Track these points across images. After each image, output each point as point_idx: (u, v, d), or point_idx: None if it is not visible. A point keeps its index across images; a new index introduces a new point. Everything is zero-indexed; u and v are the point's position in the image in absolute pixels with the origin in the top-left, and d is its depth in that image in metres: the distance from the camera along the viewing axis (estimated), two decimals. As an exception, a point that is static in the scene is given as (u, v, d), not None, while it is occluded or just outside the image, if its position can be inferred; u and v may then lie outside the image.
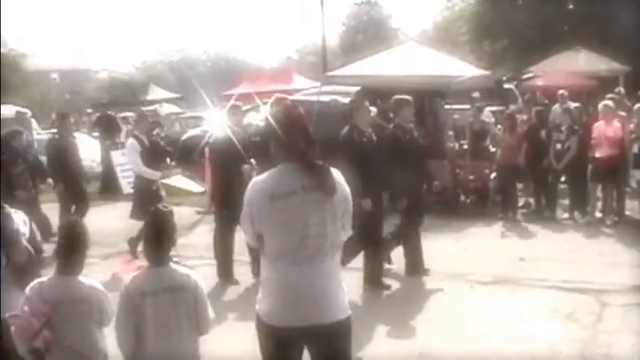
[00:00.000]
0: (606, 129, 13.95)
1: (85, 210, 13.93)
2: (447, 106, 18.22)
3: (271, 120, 5.04)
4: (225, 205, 10.90)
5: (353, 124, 10.40)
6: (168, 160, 13.68)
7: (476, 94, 18.92)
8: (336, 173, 4.98)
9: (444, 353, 8.01)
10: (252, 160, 11.33)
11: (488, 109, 19.46)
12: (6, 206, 6.01)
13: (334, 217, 4.90)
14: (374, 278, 10.45)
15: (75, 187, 14.21)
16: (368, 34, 63.53)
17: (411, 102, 11.29)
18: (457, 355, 7.97)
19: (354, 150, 10.00)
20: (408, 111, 11.05)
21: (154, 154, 12.86)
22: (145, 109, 31.16)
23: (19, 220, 6.19)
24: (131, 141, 12.96)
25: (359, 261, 10.38)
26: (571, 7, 36.21)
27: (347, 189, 5.02)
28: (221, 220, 11.39)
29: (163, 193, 13.01)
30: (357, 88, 17.73)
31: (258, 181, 4.97)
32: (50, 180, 14.05)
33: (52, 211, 13.71)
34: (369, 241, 10.18)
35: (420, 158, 11.25)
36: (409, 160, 10.54)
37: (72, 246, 5.32)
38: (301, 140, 4.88)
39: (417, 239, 11.15)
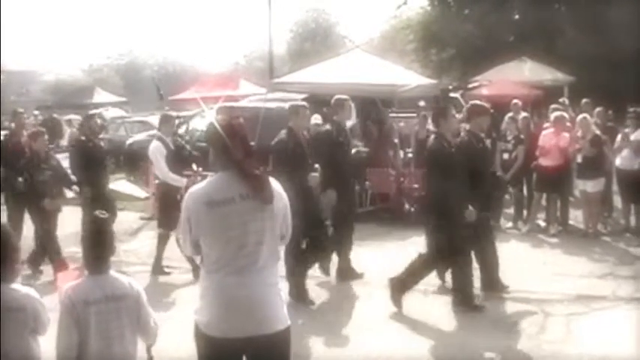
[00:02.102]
0: (557, 138, 14.08)
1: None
2: (392, 114, 18.29)
3: (210, 128, 5.05)
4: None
5: (290, 127, 10.37)
6: (194, 166, 12.57)
7: (422, 103, 19.03)
8: (275, 182, 4.99)
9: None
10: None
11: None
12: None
13: (272, 226, 4.91)
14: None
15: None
16: (315, 41, 63.78)
17: (350, 102, 11.55)
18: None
19: (287, 154, 10.08)
20: (347, 110, 11.41)
21: (179, 159, 12.10)
22: (90, 112, 30.93)
23: None
24: (156, 144, 11.92)
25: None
26: (517, 17, 36.62)
27: (285, 197, 5.04)
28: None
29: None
30: (304, 96, 17.74)
31: (196, 188, 4.97)
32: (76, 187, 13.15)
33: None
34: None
35: (349, 158, 11.57)
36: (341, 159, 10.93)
37: (1, 252, 5.20)
38: (239, 149, 4.89)
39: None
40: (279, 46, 58.04)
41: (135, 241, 13.55)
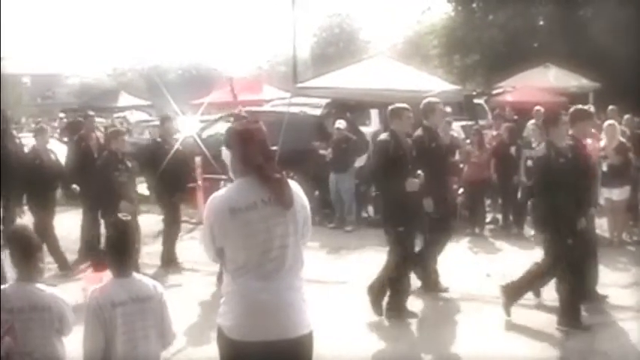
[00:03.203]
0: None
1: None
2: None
3: (229, 133, 5.07)
4: None
5: (392, 130, 9.92)
6: None
7: (447, 109, 18.95)
8: (294, 185, 4.99)
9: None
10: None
11: (457, 124, 19.48)
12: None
13: (295, 230, 4.91)
14: None
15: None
16: (339, 46, 63.79)
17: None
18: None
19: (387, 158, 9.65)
20: (438, 115, 10.86)
21: None
22: (115, 115, 31.01)
23: None
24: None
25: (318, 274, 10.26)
26: (541, 23, 36.39)
27: (305, 200, 5.04)
28: None
29: None
30: (327, 100, 17.73)
31: (217, 195, 4.96)
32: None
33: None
34: None
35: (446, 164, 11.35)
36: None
37: (24, 253, 5.26)
38: (258, 153, 4.87)
39: None
40: (303, 50, 58.09)
41: (157, 243, 13.52)
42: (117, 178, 11.62)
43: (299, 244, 4.97)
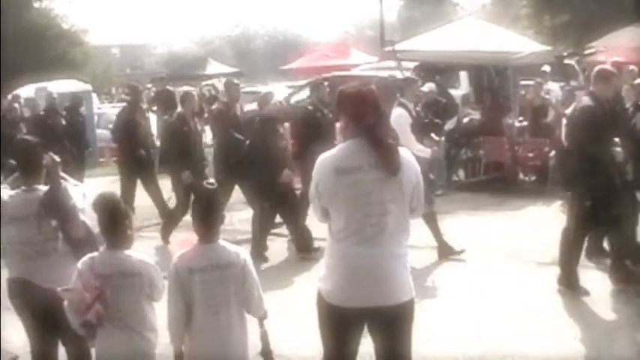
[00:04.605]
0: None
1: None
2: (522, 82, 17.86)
3: (341, 95, 5.01)
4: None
5: (591, 92, 9.27)
6: (433, 135, 11.44)
7: (546, 68, 18.65)
8: (405, 152, 4.90)
9: (503, 335, 7.86)
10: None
11: (555, 84, 19.15)
12: (62, 181, 6.02)
13: (401, 198, 4.83)
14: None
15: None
16: (426, 8, 62.90)
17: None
18: (517, 339, 7.78)
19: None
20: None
21: (420, 129, 11.01)
22: (204, 83, 31.29)
23: (78, 194, 6.21)
24: (400, 111, 10.69)
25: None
26: (634, -21, 35.42)
27: (418, 169, 4.95)
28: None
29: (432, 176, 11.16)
30: (415, 64, 17.59)
31: (326, 155, 4.92)
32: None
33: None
34: None
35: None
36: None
37: (112, 220, 5.32)
38: (370, 116, 4.82)
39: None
40: (390, 14, 57.74)
41: (249, 209, 13.59)
42: (275, 144, 11.26)
43: (404, 213, 4.88)
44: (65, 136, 14.13)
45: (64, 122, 14.29)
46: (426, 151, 10.56)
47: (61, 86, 26.56)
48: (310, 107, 12.54)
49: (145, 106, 14.61)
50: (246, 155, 11.51)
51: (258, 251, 10.90)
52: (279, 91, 19.52)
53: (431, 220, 10.58)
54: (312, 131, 11.80)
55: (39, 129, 13.76)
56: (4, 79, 30.56)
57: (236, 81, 15.85)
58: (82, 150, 15.82)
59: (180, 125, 12.50)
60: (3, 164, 11.31)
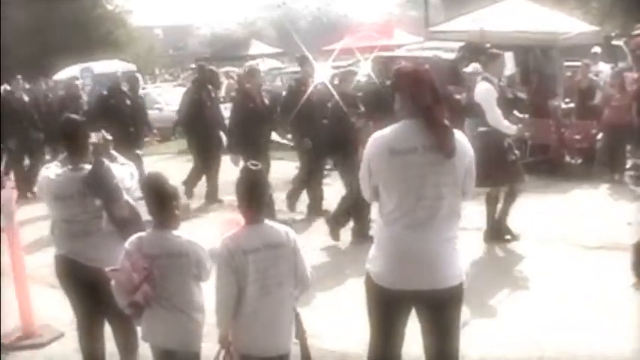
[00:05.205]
0: None
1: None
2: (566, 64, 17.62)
3: (397, 74, 4.97)
4: None
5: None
6: (516, 112, 11.03)
7: (596, 49, 18.40)
8: (460, 135, 4.84)
9: (554, 318, 7.80)
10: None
11: (606, 66, 18.88)
12: (105, 160, 6.02)
13: (454, 181, 4.78)
14: None
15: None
16: (471, -12, 62.44)
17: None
18: (564, 323, 7.71)
19: None
20: None
21: (505, 104, 10.56)
22: (247, 64, 31.35)
23: (125, 173, 6.22)
24: (486, 86, 10.35)
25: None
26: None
27: (471, 152, 4.88)
28: None
29: (516, 154, 10.71)
30: (461, 44, 17.42)
31: (379, 135, 4.87)
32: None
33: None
34: None
35: None
36: None
37: (160, 200, 5.29)
38: (427, 96, 4.75)
39: None
40: (433, -6, 57.23)
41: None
42: (353, 123, 10.91)
43: (457, 196, 4.84)
44: (129, 117, 14.00)
45: (128, 102, 14.11)
46: (511, 128, 10.36)
47: (106, 66, 26.79)
48: (378, 83, 12.29)
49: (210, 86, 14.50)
50: (326, 135, 11.45)
51: (363, 233, 10.79)
52: (324, 71, 19.42)
53: (492, 202, 10.53)
54: (383, 107, 11.59)
55: (102, 109, 13.78)
56: (50, 60, 30.85)
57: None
58: (144, 131, 15.62)
59: (246, 102, 12.43)
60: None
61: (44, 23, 40.42)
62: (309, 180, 12.92)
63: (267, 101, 13.00)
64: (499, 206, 10.64)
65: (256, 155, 11.03)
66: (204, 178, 14.34)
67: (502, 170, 10.06)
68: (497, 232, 10.62)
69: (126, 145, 10.39)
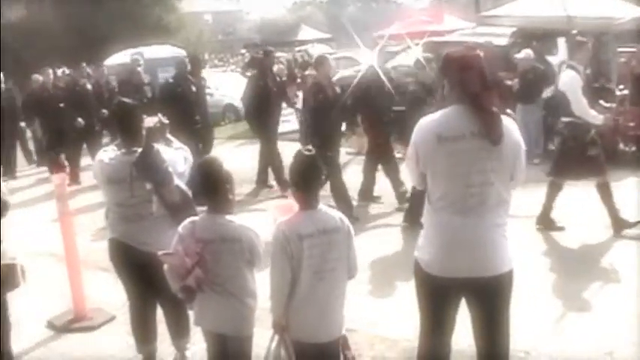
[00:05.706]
0: None
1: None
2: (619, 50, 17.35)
3: (445, 59, 4.90)
4: None
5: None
6: (602, 102, 10.82)
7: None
8: (508, 121, 4.77)
9: (604, 309, 7.70)
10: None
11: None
12: (156, 144, 6.03)
13: (502, 168, 4.71)
14: None
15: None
16: (522, -27, 61.85)
17: None
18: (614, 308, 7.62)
19: None
20: None
21: (591, 93, 10.37)
22: (296, 49, 31.31)
23: (179, 157, 6.25)
24: (571, 74, 10.03)
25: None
26: None
27: (519, 139, 4.80)
28: None
29: (599, 146, 10.33)
30: (513, 29, 17.27)
31: (426, 120, 4.82)
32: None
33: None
34: None
35: None
36: None
37: (213, 185, 5.29)
38: (476, 82, 4.68)
39: None
40: (484, -21, 56.73)
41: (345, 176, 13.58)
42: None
43: (506, 183, 4.78)
44: (195, 104, 13.89)
45: (194, 89, 13.91)
46: (598, 118, 10.07)
47: (157, 52, 26.91)
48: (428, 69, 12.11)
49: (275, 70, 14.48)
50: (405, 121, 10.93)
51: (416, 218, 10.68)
52: (373, 57, 19.37)
53: (605, 191, 10.35)
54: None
55: (168, 96, 13.62)
56: (100, 45, 31.09)
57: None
58: (209, 119, 15.55)
59: (316, 92, 11.84)
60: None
61: (96, 9, 40.77)
62: (387, 168, 12.72)
63: (338, 90, 12.23)
64: (545, 195, 10.57)
65: (329, 146, 11.05)
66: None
67: (581, 164, 9.91)
68: (548, 220, 10.51)
69: (190, 135, 10.51)
